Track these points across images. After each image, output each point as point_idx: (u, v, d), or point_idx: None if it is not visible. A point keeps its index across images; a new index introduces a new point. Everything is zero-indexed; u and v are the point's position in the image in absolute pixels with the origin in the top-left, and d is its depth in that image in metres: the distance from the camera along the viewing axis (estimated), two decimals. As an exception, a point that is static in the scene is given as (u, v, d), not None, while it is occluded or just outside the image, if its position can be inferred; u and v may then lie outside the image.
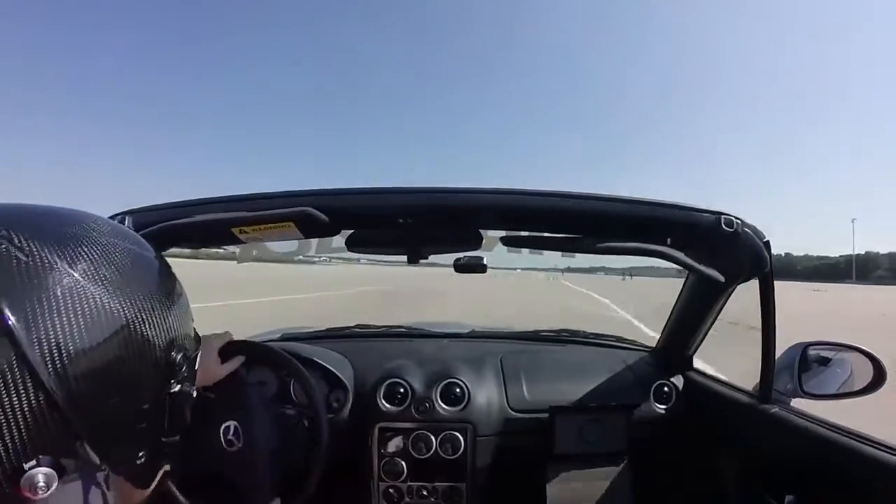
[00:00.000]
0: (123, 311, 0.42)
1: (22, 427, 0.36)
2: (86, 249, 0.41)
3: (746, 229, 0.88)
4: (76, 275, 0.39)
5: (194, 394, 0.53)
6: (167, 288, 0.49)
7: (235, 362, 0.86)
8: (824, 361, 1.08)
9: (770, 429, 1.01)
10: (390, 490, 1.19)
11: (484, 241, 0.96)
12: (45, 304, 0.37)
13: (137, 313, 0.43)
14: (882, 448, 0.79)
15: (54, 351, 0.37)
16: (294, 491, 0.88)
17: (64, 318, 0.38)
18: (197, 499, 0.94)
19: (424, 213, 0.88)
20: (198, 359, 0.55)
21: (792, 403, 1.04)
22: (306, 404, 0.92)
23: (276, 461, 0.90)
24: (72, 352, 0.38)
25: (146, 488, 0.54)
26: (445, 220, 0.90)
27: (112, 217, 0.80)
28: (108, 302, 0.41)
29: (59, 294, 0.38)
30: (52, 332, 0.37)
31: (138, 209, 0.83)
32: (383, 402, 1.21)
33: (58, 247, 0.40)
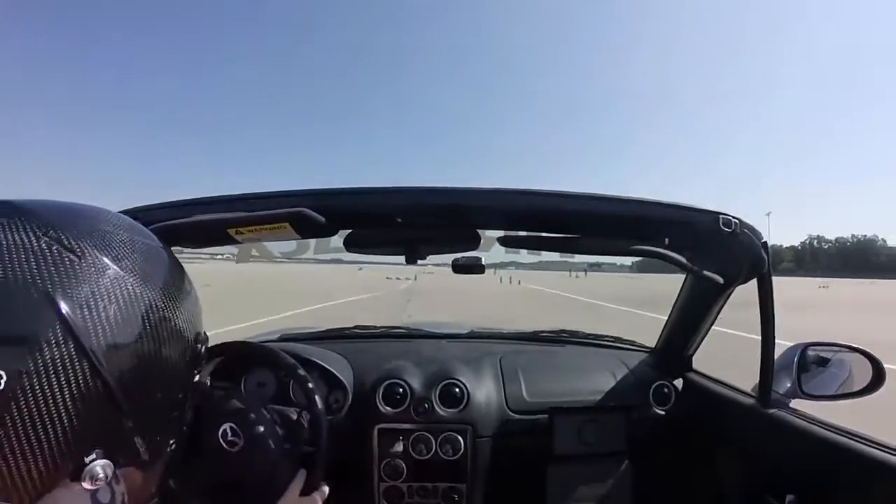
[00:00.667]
0: (157, 302, 0.44)
1: (83, 417, 0.38)
2: (121, 245, 0.44)
3: (745, 230, 0.88)
4: (119, 270, 0.42)
5: (209, 382, 0.58)
6: (184, 281, 0.51)
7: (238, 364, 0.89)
8: (823, 362, 1.08)
9: (770, 429, 1.01)
10: (390, 490, 1.19)
11: (482, 241, 0.96)
12: (95, 298, 0.40)
13: (170, 304, 0.45)
14: (881, 448, 0.79)
15: (107, 341, 0.39)
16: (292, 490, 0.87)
17: (111, 311, 0.40)
18: (197, 500, 0.94)
19: (422, 212, 0.88)
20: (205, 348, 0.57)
21: (791, 404, 1.04)
22: (306, 405, 0.92)
23: (275, 463, 0.90)
24: (121, 342, 0.40)
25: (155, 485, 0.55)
26: (443, 220, 0.90)
27: None
28: (146, 294, 0.43)
29: (106, 288, 0.41)
30: (103, 324, 0.39)
31: (133, 209, 0.82)
32: (382, 402, 1.21)
33: (101, 244, 0.43)
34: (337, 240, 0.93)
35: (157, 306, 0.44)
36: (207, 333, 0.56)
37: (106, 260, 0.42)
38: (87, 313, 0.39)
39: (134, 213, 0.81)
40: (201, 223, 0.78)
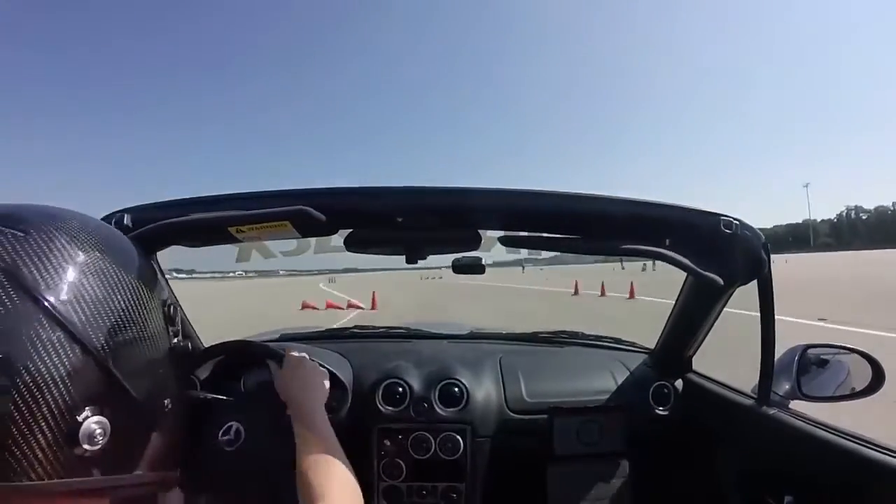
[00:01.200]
0: (115, 264, 0.48)
1: (67, 381, 0.40)
2: (69, 219, 0.48)
3: (745, 231, 0.88)
4: (69, 238, 0.46)
5: (190, 347, 0.59)
6: (138, 254, 0.55)
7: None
8: (822, 363, 1.08)
9: (769, 431, 1.01)
10: (390, 490, 1.19)
11: (483, 241, 0.96)
12: (51, 264, 0.43)
13: (127, 267, 0.50)
14: (880, 450, 0.79)
15: (77, 307, 0.43)
16: (294, 491, 0.88)
17: (71, 275, 0.44)
18: (197, 498, 0.94)
19: (423, 212, 0.88)
20: (180, 319, 0.60)
21: (791, 405, 1.04)
22: None
23: (275, 461, 0.90)
24: (91, 305, 0.44)
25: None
26: (444, 220, 0.90)
27: (110, 214, 0.80)
28: (103, 258, 0.47)
29: (61, 252, 0.44)
30: (71, 293, 0.43)
31: (136, 207, 0.83)
32: (382, 402, 1.21)
33: (48, 220, 0.46)
34: (337, 239, 0.93)
35: (114, 268, 0.48)
36: None
37: (55, 231, 0.45)
38: (52, 284, 0.42)
39: (134, 212, 0.81)
40: (202, 221, 0.78)
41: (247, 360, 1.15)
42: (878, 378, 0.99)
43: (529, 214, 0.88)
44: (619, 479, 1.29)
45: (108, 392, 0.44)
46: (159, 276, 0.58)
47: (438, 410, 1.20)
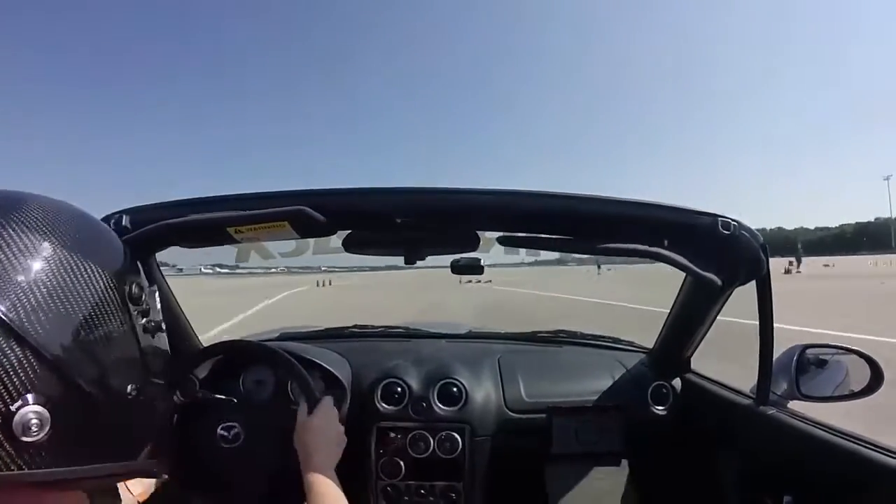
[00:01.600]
0: (56, 244, 0.45)
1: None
2: (26, 214, 0.46)
3: (744, 232, 0.88)
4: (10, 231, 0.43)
5: (164, 327, 0.57)
6: (90, 228, 0.53)
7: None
8: (821, 364, 1.08)
9: (767, 431, 1.01)
10: (388, 489, 1.19)
11: (482, 242, 0.96)
12: None
13: (72, 245, 0.47)
14: (879, 450, 0.80)
15: (14, 293, 0.41)
16: (292, 490, 0.88)
17: (17, 265, 0.42)
18: (196, 497, 0.95)
19: (422, 213, 0.88)
20: (156, 297, 0.58)
21: (789, 405, 1.04)
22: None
23: (274, 460, 0.91)
24: (31, 292, 0.42)
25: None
26: (443, 221, 0.90)
27: (109, 215, 0.80)
28: (40, 238, 0.45)
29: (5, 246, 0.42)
30: (7, 277, 0.41)
31: (134, 208, 0.83)
32: (381, 401, 1.22)
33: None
34: (336, 240, 0.93)
35: (59, 253, 0.45)
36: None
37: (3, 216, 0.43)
38: None
39: (133, 213, 0.81)
40: (201, 222, 0.78)
41: (246, 358, 1.15)
42: (876, 378, 0.99)
43: (528, 215, 0.88)
44: (617, 478, 1.29)
45: (45, 381, 0.41)
46: (135, 266, 0.56)
47: (437, 410, 1.21)
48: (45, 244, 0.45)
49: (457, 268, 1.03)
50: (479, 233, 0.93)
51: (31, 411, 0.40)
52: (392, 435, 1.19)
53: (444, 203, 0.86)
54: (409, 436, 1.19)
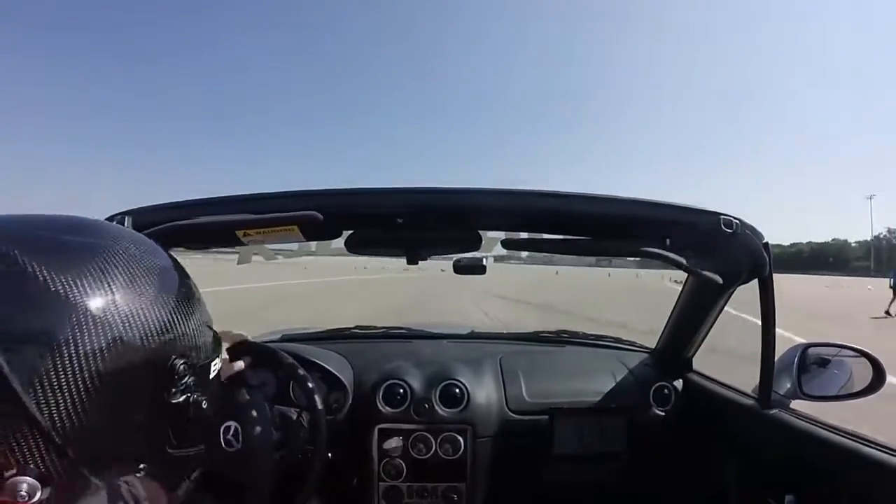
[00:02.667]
0: (90, 308, 0.39)
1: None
2: (63, 257, 0.41)
3: (746, 230, 0.88)
4: (48, 280, 0.38)
5: (205, 405, 0.50)
6: (159, 288, 0.46)
7: (244, 362, 0.85)
8: (823, 363, 1.07)
9: (770, 430, 1.01)
10: (390, 490, 1.19)
11: (484, 241, 0.96)
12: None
13: (113, 317, 0.41)
14: (880, 449, 0.79)
15: (20, 360, 0.36)
16: (294, 491, 0.87)
17: (31, 322, 0.37)
18: (195, 499, 0.94)
19: (425, 213, 0.88)
20: (214, 366, 0.53)
21: (791, 405, 1.04)
22: (306, 405, 0.92)
23: (275, 462, 0.90)
24: (39, 359, 0.37)
25: (170, 497, 0.52)
26: (445, 221, 0.90)
27: (112, 217, 0.80)
28: (68, 297, 0.39)
29: (13, 292, 0.37)
30: (18, 343, 0.37)
31: (138, 209, 0.83)
32: (383, 403, 1.21)
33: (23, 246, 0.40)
34: (338, 240, 0.93)
35: (89, 314, 0.39)
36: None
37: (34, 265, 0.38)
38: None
39: (135, 214, 0.81)
40: (210, 225, 0.78)
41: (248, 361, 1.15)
42: (878, 377, 0.99)
43: (529, 215, 0.88)
44: (619, 479, 1.29)
45: (45, 459, 0.38)
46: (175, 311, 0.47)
47: (439, 411, 1.20)
48: (86, 299, 0.39)
49: (459, 268, 1.03)
50: (482, 233, 0.93)
51: (24, 481, 0.37)
52: (394, 436, 1.19)
53: (447, 202, 0.87)
54: (411, 437, 1.18)
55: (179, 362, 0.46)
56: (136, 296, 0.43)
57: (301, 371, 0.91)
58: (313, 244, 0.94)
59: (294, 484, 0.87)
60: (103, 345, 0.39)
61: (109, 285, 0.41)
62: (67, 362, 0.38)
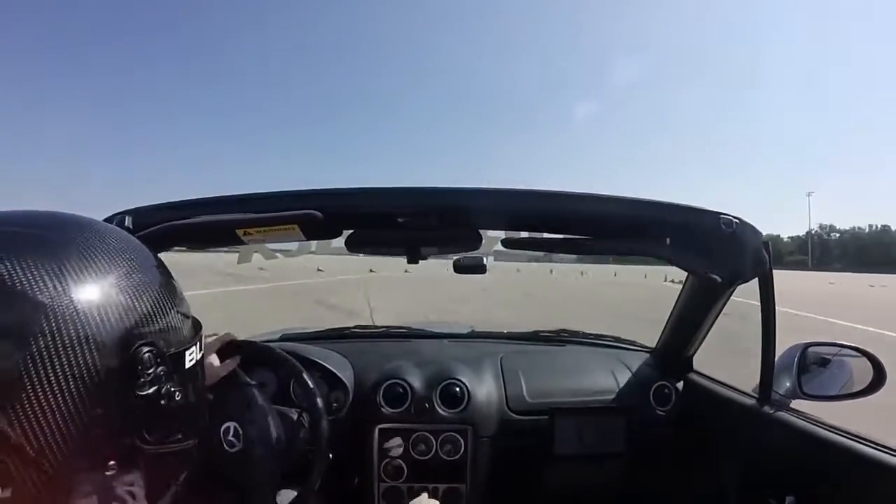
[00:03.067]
0: (40, 302, 0.39)
1: None
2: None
3: (746, 230, 0.88)
4: None
5: (178, 396, 0.47)
6: (121, 275, 0.45)
7: (233, 362, 0.85)
8: (824, 362, 1.08)
9: (770, 430, 1.01)
10: (390, 491, 1.19)
11: (484, 241, 0.96)
12: None
13: (65, 305, 0.40)
14: (881, 449, 0.79)
15: None
16: (294, 491, 0.87)
17: None
18: (196, 499, 0.94)
19: (426, 212, 0.88)
20: (189, 355, 0.51)
21: (792, 405, 1.04)
22: (306, 405, 0.92)
23: (275, 462, 0.90)
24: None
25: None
26: (446, 220, 0.90)
27: (112, 216, 0.80)
28: (25, 291, 0.38)
29: None
30: None
31: (138, 209, 0.83)
32: (383, 402, 1.21)
33: None
34: (339, 239, 0.93)
35: (38, 303, 0.38)
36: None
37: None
38: None
39: (135, 214, 0.81)
40: (210, 224, 0.78)
41: (247, 360, 1.15)
42: (879, 377, 0.99)
43: (529, 214, 0.88)
44: (620, 479, 1.28)
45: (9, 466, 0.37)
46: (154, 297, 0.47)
47: (439, 411, 1.20)
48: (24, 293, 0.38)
49: (459, 268, 1.03)
50: (482, 233, 0.93)
51: None
52: (394, 436, 1.19)
53: (447, 202, 0.87)
54: (412, 437, 1.18)
55: (145, 350, 0.44)
56: (93, 283, 0.42)
57: (301, 371, 0.91)
58: (313, 243, 0.94)
59: (294, 484, 0.87)
60: (54, 333, 0.38)
61: (60, 273, 0.40)
62: (16, 354, 0.37)
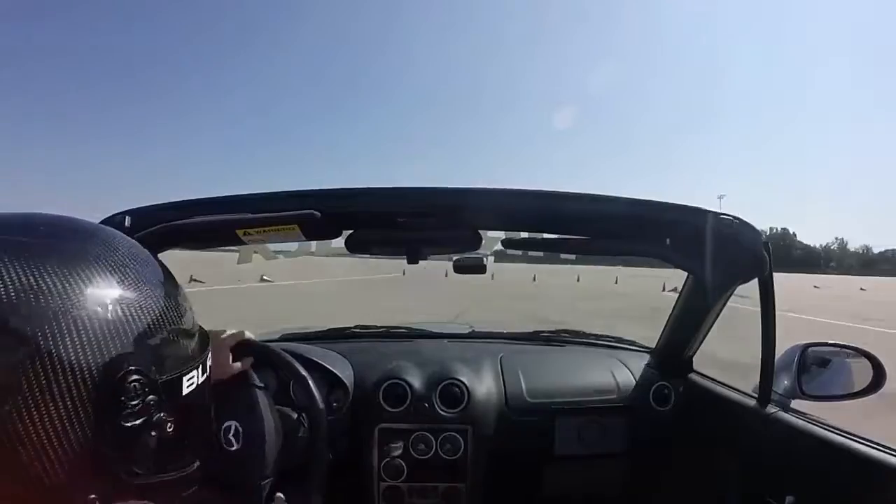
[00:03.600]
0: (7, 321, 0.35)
1: None
2: None
3: (745, 230, 0.88)
4: None
5: (170, 428, 0.43)
6: (108, 289, 0.40)
7: (246, 363, 0.84)
8: (824, 363, 1.07)
9: (770, 430, 1.01)
10: (391, 490, 1.19)
11: (484, 241, 0.96)
12: None
13: (37, 326, 0.36)
14: (881, 449, 0.80)
15: None
16: (295, 492, 0.87)
17: None
18: (195, 499, 0.94)
19: (426, 213, 0.88)
20: (187, 381, 0.46)
21: (792, 405, 1.04)
22: (306, 405, 0.92)
23: (275, 462, 0.90)
24: None
25: None
26: (446, 221, 0.91)
27: (111, 217, 0.80)
28: None
29: None
30: None
31: (138, 209, 0.83)
32: (383, 402, 1.21)
33: None
34: (339, 239, 0.93)
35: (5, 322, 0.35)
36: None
37: None
38: None
39: (134, 214, 0.82)
40: (211, 224, 0.78)
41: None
42: (879, 377, 0.99)
43: (530, 215, 0.88)
44: (620, 479, 1.29)
45: None
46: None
47: (439, 411, 1.20)
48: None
49: (459, 268, 1.03)
50: (482, 233, 0.93)
51: None
52: (394, 436, 1.19)
53: (447, 202, 0.87)
54: (412, 437, 1.18)
55: (132, 378, 0.39)
56: (76, 298, 0.38)
57: (301, 371, 0.91)
58: (313, 244, 0.94)
59: (294, 484, 0.87)
60: (33, 356, 0.35)
61: (38, 286, 0.36)
62: None
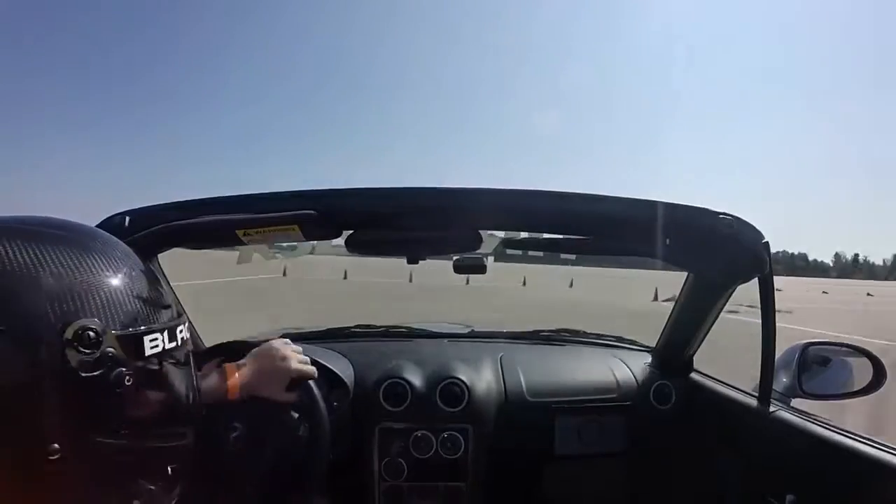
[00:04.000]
0: None
1: None
2: None
3: (745, 229, 0.88)
4: None
5: (128, 381, 0.43)
6: (71, 255, 0.44)
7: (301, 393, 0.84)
8: (824, 361, 1.08)
9: (770, 429, 1.01)
10: (391, 490, 1.19)
11: (484, 241, 0.96)
12: None
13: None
14: (881, 448, 0.80)
15: None
16: (295, 491, 0.88)
17: None
18: (195, 500, 0.94)
19: (426, 213, 0.88)
20: (151, 340, 0.46)
21: (792, 404, 1.04)
22: (307, 405, 0.92)
23: (276, 462, 0.90)
24: None
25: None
26: (446, 221, 0.90)
27: (111, 217, 0.81)
28: None
29: None
30: None
31: (138, 209, 0.83)
32: (384, 402, 1.21)
33: None
34: (339, 239, 0.93)
35: None
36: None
37: None
38: None
39: (133, 214, 0.82)
40: (210, 224, 0.78)
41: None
42: (879, 376, 0.99)
43: (530, 215, 0.88)
44: (619, 478, 1.29)
45: None
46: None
47: (440, 410, 1.20)
48: None
49: (459, 268, 1.03)
50: (482, 233, 0.93)
51: None
52: (394, 435, 1.19)
53: (447, 202, 0.87)
54: (412, 436, 1.18)
55: (88, 327, 0.41)
56: (33, 262, 0.41)
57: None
58: (312, 244, 0.94)
59: (295, 484, 0.87)
60: None
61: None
62: None
